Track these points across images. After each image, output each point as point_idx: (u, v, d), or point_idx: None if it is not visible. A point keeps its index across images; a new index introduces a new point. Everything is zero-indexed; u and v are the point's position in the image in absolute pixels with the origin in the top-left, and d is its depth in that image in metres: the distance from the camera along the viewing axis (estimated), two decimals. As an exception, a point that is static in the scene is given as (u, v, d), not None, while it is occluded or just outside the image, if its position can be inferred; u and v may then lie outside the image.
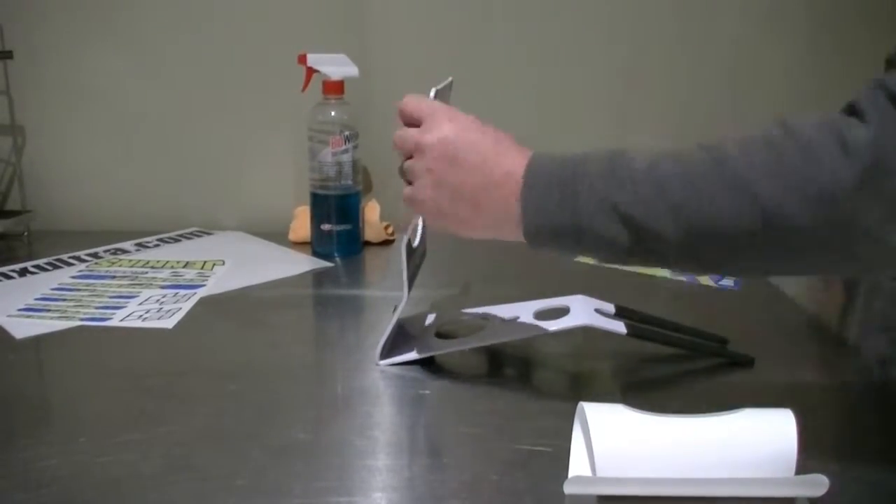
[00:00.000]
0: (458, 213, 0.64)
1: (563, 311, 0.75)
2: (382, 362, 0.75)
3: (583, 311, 0.74)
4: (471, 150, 0.63)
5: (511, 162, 0.62)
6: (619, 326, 0.73)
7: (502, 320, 0.78)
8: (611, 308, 0.77)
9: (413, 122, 0.66)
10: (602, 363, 0.77)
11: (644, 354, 0.77)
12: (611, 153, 0.60)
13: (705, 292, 1.00)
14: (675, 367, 0.76)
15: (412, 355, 0.75)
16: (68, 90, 1.22)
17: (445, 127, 0.64)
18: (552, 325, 0.73)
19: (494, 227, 0.63)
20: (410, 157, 0.66)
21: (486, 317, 0.80)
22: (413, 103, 0.67)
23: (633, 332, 0.73)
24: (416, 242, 0.77)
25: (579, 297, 0.78)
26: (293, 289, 0.98)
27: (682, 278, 1.02)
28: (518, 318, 0.78)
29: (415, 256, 0.77)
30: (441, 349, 0.76)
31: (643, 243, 0.56)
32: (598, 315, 0.74)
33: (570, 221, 0.59)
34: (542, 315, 0.77)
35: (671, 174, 0.56)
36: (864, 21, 1.17)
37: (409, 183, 0.66)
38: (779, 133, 0.52)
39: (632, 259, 0.59)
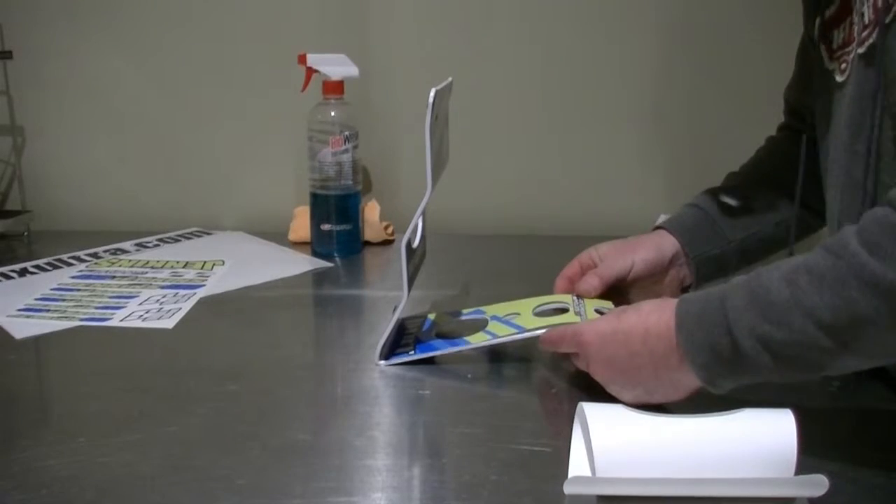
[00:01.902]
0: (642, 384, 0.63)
1: (562, 311, 0.75)
2: (382, 362, 0.75)
3: (582, 311, 0.74)
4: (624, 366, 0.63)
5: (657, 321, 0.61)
6: None
7: (502, 320, 0.78)
8: (610, 306, 0.77)
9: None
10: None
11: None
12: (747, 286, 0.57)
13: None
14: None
15: (412, 356, 0.76)
16: (68, 90, 1.22)
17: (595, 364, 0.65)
18: (552, 325, 0.73)
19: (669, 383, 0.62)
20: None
21: (485, 317, 0.80)
22: (555, 338, 0.69)
23: None
24: (415, 243, 0.77)
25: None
26: (293, 289, 0.98)
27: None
28: (518, 317, 0.78)
29: (415, 257, 0.77)
30: (441, 349, 0.76)
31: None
32: (597, 315, 0.74)
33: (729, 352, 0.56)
34: (541, 314, 0.77)
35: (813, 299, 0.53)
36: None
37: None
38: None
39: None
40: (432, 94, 0.68)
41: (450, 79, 0.78)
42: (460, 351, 0.75)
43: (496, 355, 0.77)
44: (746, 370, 0.56)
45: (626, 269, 0.78)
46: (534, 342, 0.77)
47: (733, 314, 0.55)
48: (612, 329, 0.63)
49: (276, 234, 1.18)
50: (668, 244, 0.80)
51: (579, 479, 0.54)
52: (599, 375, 0.65)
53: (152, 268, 1.04)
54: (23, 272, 1.02)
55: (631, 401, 0.62)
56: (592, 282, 0.77)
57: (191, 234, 1.21)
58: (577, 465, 0.56)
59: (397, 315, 0.76)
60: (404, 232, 0.73)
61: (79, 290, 0.95)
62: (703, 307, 0.58)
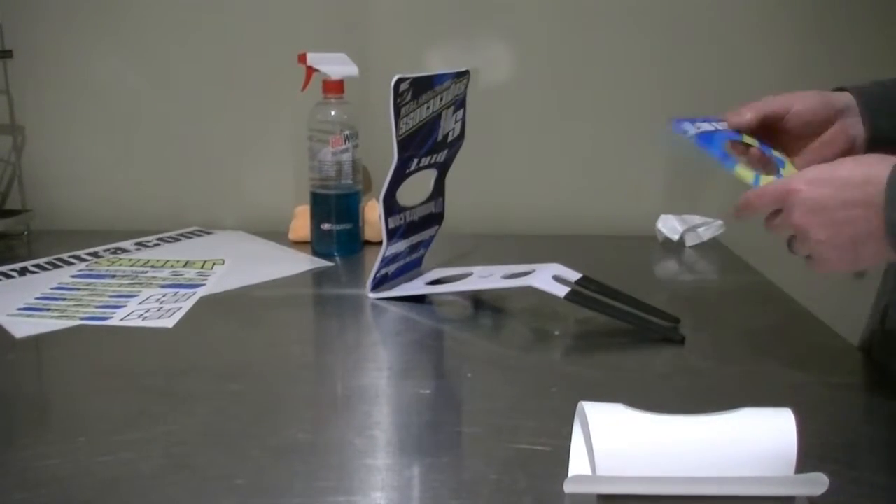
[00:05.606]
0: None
1: (526, 274, 0.85)
2: (372, 294, 0.87)
3: (539, 275, 0.83)
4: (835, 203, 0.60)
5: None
6: (559, 290, 0.80)
7: (480, 276, 0.91)
8: (575, 276, 0.85)
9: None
10: (602, 360, 0.77)
11: (649, 352, 0.78)
12: None
13: (706, 291, 1.00)
14: (676, 365, 0.76)
15: (401, 291, 0.89)
16: (68, 90, 1.22)
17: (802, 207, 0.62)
18: (504, 283, 0.85)
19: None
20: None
21: (467, 273, 0.93)
22: (753, 198, 0.66)
23: (569, 297, 0.80)
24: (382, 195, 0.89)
25: (552, 265, 0.86)
26: (293, 288, 0.98)
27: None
28: (492, 275, 0.90)
29: (405, 212, 0.91)
30: (428, 291, 0.89)
31: None
32: (549, 280, 0.82)
33: None
34: (510, 276, 0.87)
35: None
36: (855, 24, 1.17)
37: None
38: None
39: None
40: (394, 80, 0.80)
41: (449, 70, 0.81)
42: (445, 293, 0.89)
43: (497, 353, 0.78)
44: None
45: (785, 109, 0.72)
46: (536, 336, 0.77)
47: None
48: (829, 175, 0.60)
49: (277, 234, 1.18)
50: (837, 96, 0.74)
51: (579, 478, 0.54)
52: (804, 222, 0.61)
53: (152, 267, 1.04)
54: (23, 271, 1.02)
55: (835, 261, 0.61)
56: (745, 114, 0.73)
57: (191, 233, 1.21)
58: (578, 463, 0.56)
59: (383, 250, 0.87)
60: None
61: (79, 289, 0.95)
62: None
